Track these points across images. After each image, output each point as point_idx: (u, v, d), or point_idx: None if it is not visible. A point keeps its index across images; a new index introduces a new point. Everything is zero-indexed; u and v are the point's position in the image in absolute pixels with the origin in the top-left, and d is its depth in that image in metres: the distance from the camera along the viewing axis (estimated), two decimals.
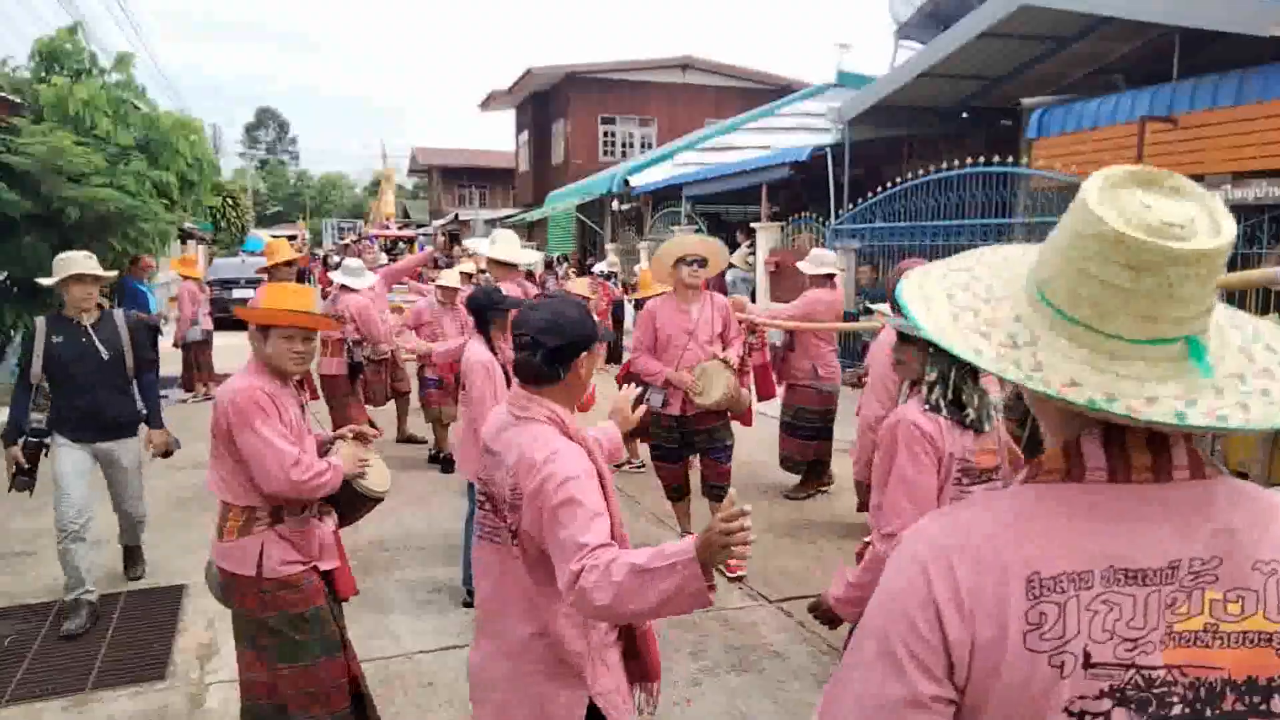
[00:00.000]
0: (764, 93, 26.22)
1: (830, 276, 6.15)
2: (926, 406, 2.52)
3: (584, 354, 2.17)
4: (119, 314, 4.80)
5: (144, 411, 4.92)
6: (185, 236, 20.12)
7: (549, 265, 21.41)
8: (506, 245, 5.64)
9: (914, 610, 1.03)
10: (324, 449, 3.25)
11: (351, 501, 3.25)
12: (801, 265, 6.30)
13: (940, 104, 11.70)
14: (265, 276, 7.07)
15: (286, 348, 2.98)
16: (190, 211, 12.92)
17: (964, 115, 12.14)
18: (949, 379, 2.49)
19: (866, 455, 4.22)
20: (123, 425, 4.82)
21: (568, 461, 2.00)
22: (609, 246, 20.07)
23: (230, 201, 32.51)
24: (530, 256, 6.48)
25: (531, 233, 29.50)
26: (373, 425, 8.11)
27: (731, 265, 14.05)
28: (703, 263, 5.11)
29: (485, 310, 4.54)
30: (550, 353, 2.10)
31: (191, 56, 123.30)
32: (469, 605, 4.71)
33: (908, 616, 1.03)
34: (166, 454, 4.99)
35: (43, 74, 10.81)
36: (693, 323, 5.12)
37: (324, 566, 3.14)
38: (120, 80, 11.35)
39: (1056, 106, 9.11)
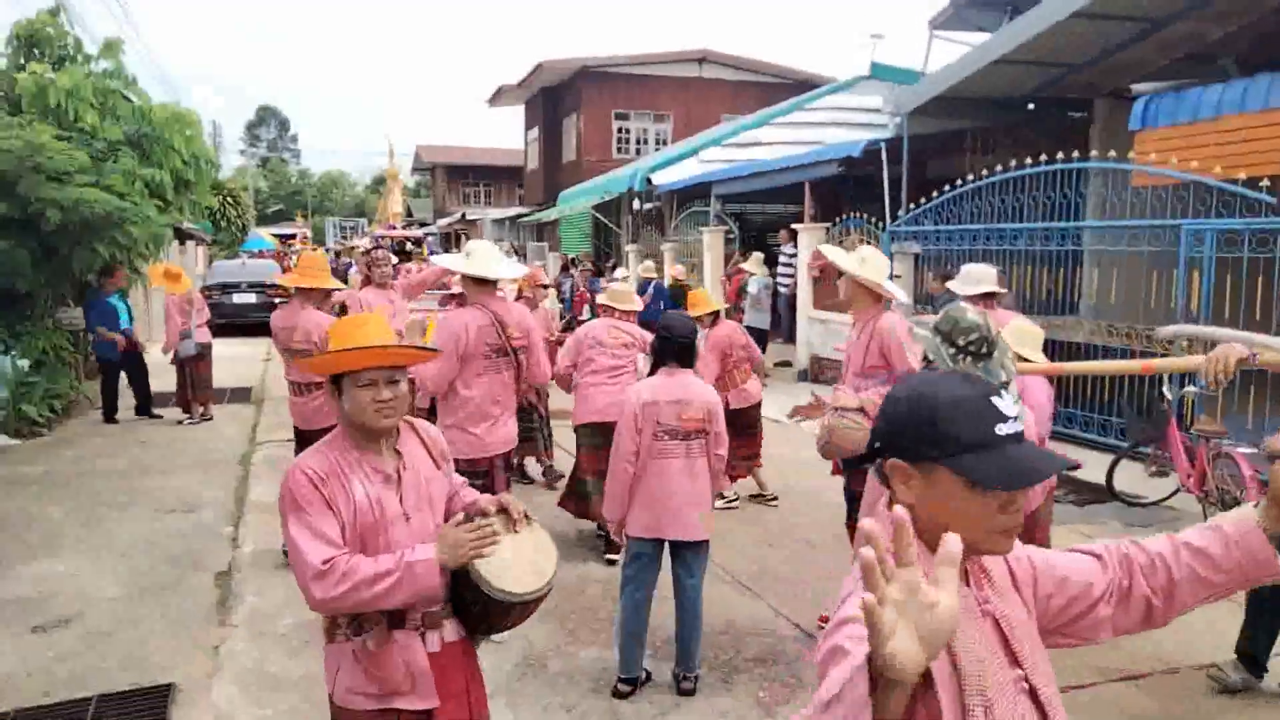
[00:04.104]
0: (783, 87, 25.36)
1: (989, 296, 4.84)
2: None
3: None
4: None
5: None
6: (184, 238, 19.13)
7: (564, 268, 20.48)
8: (484, 259, 4.47)
9: None
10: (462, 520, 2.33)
11: (483, 605, 2.25)
12: (952, 285, 5.09)
13: (1010, 94, 10.69)
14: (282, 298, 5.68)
15: (368, 398, 2.24)
16: (187, 212, 11.95)
17: (1030, 106, 11.13)
18: None
19: None
20: None
21: None
22: (629, 249, 19.06)
23: (230, 200, 31.57)
24: (514, 271, 5.37)
25: (543, 233, 28.57)
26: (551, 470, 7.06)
27: (751, 273, 13.06)
28: (838, 274, 4.22)
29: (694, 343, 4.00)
30: None
31: (189, 52, 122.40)
32: (620, 696, 3.80)
33: None
34: None
35: (20, 61, 9.91)
36: (848, 348, 4.24)
37: (407, 706, 2.25)
38: (108, 69, 10.44)
39: (1167, 94, 8.08)
